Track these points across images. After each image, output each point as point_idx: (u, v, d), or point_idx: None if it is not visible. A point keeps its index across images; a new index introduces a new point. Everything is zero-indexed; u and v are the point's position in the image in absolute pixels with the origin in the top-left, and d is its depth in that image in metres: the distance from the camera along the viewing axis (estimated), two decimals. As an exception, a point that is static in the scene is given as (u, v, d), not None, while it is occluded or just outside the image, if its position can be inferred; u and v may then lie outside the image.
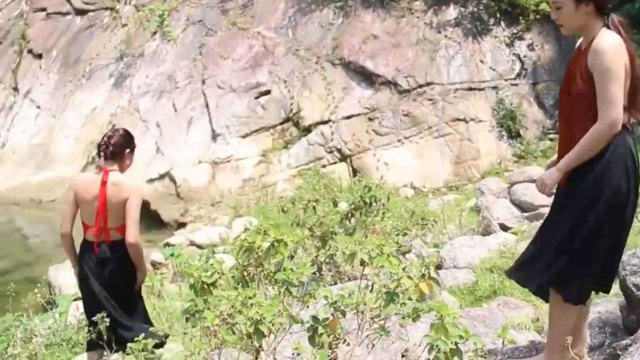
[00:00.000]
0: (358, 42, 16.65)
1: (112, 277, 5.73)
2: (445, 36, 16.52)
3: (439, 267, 7.88)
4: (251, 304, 3.12)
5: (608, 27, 3.96)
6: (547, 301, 4.36)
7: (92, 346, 5.81)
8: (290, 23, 17.83)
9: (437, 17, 16.84)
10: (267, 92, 16.50)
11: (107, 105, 18.31)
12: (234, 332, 3.38)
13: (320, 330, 3.33)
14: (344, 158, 15.06)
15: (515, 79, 15.99)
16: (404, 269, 3.36)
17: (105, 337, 5.37)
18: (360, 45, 16.57)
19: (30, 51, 21.44)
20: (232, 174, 15.43)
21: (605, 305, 5.17)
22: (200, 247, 12.61)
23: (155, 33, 19.25)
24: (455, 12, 16.87)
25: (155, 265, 11.70)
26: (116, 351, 5.75)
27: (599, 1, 3.96)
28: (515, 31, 16.55)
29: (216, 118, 16.43)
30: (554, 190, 4.17)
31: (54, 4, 21.99)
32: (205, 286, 3.71)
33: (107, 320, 5.45)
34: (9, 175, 18.24)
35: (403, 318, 3.43)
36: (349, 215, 8.16)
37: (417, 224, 8.58)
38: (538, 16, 16.35)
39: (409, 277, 3.35)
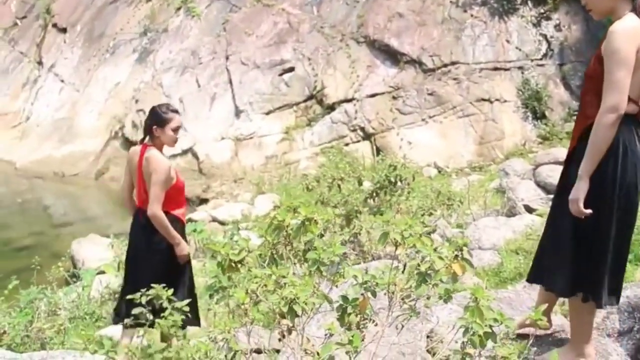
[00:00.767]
0: (383, 20, 16.53)
1: (147, 245, 6.10)
2: (471, 15, 16.35)
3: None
4: (284, 283, 3.10)
5: (635, 12, 3.80)
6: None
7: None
8: (315, 0, 17.72)
9: (463, -4, 16.70)
10: (291, 69, 16.44)
11: (131, 80, 18.34)
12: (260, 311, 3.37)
13: (349, 310, 3.30)
14: (367, 137, 15.00)
15: (541, 59, 15.81)
16: (435, 250, 3.32)
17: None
18: (385, 24, 16.45)
19: (54, 25, 21.52)
20: (255, 150, 15.43)
21: (634, 289, 5.11)
22: (222, 223, 12.62)
23: (179, 9, 19.23)
24: (482, -9, 16.71)
25: (177, 240, 11.70)
26: (116, 322, 6.17)
27: None
28: (542, 11, 16.34)
29: (239, 94, 16.41)
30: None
31: (79, -22, 22.04)
32: (233, 264, 3.69)
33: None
34: (32, 149, 18.36)
35: (428, 299, 3.40)
36: (374, 194, 8.11)
37: (443, 204, 8.51)
38: (566, -4, 16.18)
39: (441, 258, 3.30)
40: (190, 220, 12.52)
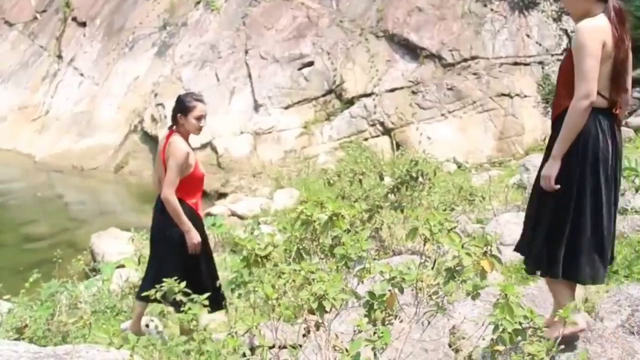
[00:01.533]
0: (403, 14, 16.46)
1: (159, 228, 6.31)
2: (492, 10, 16.26)
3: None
4: (313, 279, 3.08)
5: (606, 13, 4.12)
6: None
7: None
8: (334, -6, 17.69)
9: (484, -10, 16.60)
10: (310, 64, 16.40)
11: (150, 74, 18.36)
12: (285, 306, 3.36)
13: (376, 306, 3.28)
14: (386, 131, 14.95)
15: (561, 54, 15.67)
16: (463, 246, 3.30)
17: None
18: (404, 18, 16.38)
19: (74, 19, 21.57)
20: (274, 145, 15.41)
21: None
22: (241, 217, 12.61)
23: (198, 2, 19.22)
24: (502, -14, 16.61)
25: (196, 234, 11.70)
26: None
27: None
28: (562, 6, 16.21)
29: (258, 88, 16.39)
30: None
31: (99, -28, 22.09)
32: (259, 259, 3.68)
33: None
34: (52, 142, 18.43)
35: (451, 295, 3.38)
36: (395, 189, 8.07)
37: (465, 199, 8.47)
38: (587, -10, 16.02)
39: (468, 254, 3.28)
40: (209, 214, 12.53)
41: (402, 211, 7.97)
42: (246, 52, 17.28)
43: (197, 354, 3.64)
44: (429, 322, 3.55)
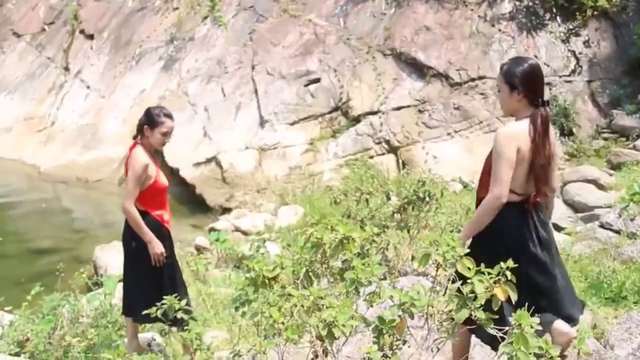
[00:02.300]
0: (410, 33, 16.47)
1: (126, 239, 6.43)
2: (499, 30, 16.27)
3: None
4: (322, 305, 3.02)
5: (531, 119, 4.49)
6: None
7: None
8: (342, 12, 17.69)
9: (492, 10, 16.59)
10: (317, 80, 16.39)
11: (156, 88, 18.36)
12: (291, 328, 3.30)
13: (385, 331, 3.22)
14: (392, 150, 14.91)
15: (569, 75, 15.69)
16: (476, 272, 3.24)
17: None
18: (412, 37, 16.39)
19: (82, 32, 21.62)
20: (279, 161, 15.37)
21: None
22: (245, 233, 12.56)
23: (206, 17, 19.25)
24: (510, 6, 16.60)
25: (199, 249, 11.69)
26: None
27: (527, 94, 4.52)
28: (571, 27, 16.25)
29: (264, 104, 16.37)
30: None
31: (107, -15, 22.17)
32: (266, 280, 3.63)
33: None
34: (57, 154, 18.42)
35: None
36: (401, 209, 8.02)
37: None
38: (595, 12, 16.06)
39: (481, 281, 3.22)
40: (213, 229, 12.49)
41: (408, 231, 7.92)
42: (253, 67, 17.28)
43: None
44: (438, 349, 3.49)
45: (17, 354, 6.98)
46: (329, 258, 3.48)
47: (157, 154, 6.56)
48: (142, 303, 5.88)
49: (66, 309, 8.21)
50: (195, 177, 15.29)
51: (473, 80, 15.50)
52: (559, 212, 9.94)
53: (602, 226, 8.90)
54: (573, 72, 15.75)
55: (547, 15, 16.39)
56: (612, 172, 12.45)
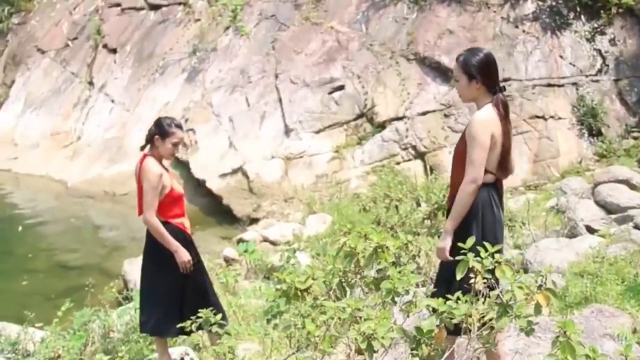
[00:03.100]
0: (433, 37, 16.36)
1: (145, 252, 6.50)
2: (523, 31, 16.11)
3: (525, 270, 7.59)
4: (360, 317, 2.94)
5: (493, 105, 4.85)
6: None
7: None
8: (364, 18, 17.62)
9: (515, 12, 16.43)
10: (341, 88, 16.32)
11: (180, 100, 18.37)
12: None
13: (423, 341, 3.14)
14: (419, 155, 14.78)
15: (596, 75, 15.50)
16: (516, 279, 3.15)
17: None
18: (435, 40, 16.28)
19: (105, 46, 21.75)
20: (305, 169, 15.30)
21: None
22: (273, 243, 12.51)
23: (228, 28, 19.26)
24: (533, 6, 16.43)
25: (228, 261, 11.66)
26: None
27: (485, 82, 4.89)
28: (596, 25, 16.04)
29: (289, 113, 16.32)
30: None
31: (129, 0, 22.25)
32: (299, 292, 3.56)
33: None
34: (83, 168, 18.50)
35: (502, 330, 3.23)
36: (431, 215, 7.93)
37: (504, 224, 8.29)
38: (621, 10, 15.83)
39: (521, 288, 3.13)
40: (241, 240, 12.45)
41: (439, 237, 7.82)
42: (276, 76, 17.24)
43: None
44: (478, 358, 3.40)
45: (49, 371, 6.97)
46: (363, 267, 3.41)
47: (181, 166, 6.62)
48: (165, 318, 5.90)
49: (97, 325, 8.22)
50: (221, 188, 15.26)
51: (498, 82, 15.34)
52: (591, 214, 9.77)
53: (636, 227, 8.75)
54: (599, 71, 15.55)
55: (571, 15, 16.20)
56: (644, 171, 12.26)
